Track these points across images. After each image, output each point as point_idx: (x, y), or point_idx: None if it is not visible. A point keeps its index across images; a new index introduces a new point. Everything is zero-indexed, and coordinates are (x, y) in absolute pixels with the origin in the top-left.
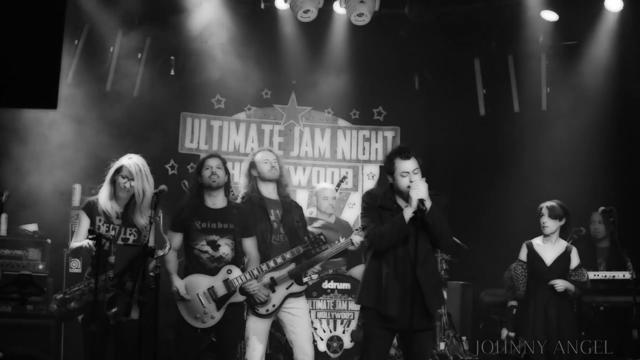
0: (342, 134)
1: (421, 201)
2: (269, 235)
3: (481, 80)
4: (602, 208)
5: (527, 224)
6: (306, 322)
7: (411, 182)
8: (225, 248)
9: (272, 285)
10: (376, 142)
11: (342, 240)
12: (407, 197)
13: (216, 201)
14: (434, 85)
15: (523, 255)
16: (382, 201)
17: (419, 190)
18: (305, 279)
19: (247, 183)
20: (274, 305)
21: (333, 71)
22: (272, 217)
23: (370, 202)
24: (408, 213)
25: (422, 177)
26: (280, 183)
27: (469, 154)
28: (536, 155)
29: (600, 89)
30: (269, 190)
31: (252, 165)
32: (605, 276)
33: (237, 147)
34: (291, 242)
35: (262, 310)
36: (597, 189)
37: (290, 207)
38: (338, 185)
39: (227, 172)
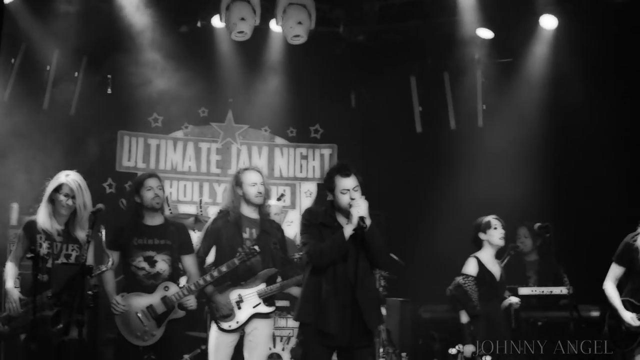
0: (279, 152)
1: (362, 219)
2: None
3: (417, 97)
4: (538, 224)
5: (462, 239)
6: (262, 350)
7: (352, 199)
8: (162, 264)
9: (239, 302)
10: (313, 159)
11: None
12: (347, 215)
13: (154, 219)
14: (370, 102)
15: (472, 269)
16: (322, 218)
17: (360, 208)
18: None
19: (230, 200)
20: (237, 322)
21: (270, 89)
22: (246, 235)
23: (311, 219)
24: (348, 230)
25: (362, 194)
26: (263, 203)
27: (405, 172)
28: (472, 172)
29: (536, 106)
30: (250, 210)
31: (238, 184)
32: (543, 292)
33: (174, 165)
34: (264, 262)
35: (224, 325)
36: (532, 204)
37: (269, 228)
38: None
39: (164, 191)
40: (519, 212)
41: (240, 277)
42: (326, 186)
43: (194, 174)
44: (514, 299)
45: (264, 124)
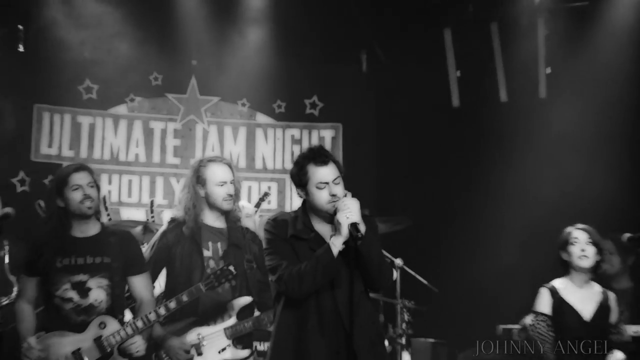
0: (262, 134)
1: (354, 226)
2: (199, 276)
3: (454, 58)
4: (627, 235)
5: (523, 255)
6: None
7: (333, 196)
8: (97, 292)
9: (199, 345)
10: (310, 144)
11: None
12: (328, 219)
13: (86, 228)
14: (388, 66)
15: (545, 305)
16: (293, 229)
17: (350, 210)
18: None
19: (186, 205)
20: None
21: (249, 48)
22: (208, 253)
23: (278, 232)
24: (337, 243)
25: (346, 190)
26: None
27: (437, 161)
28: (531, 161)
29: (621, 68)
30: (213, 217)
31: (200, 181)
32: (638, 332)
33: (115, 153)
34: (235, 288)
35: None
36: (619, 206)
37: (240, 240)
38: (257, 205)
39: (99, 189)
40: (600, 217)
41: (202, 311)
42: (295, 180)
43: (143, 165)
44: (617, 357)
45: (241, 96)
